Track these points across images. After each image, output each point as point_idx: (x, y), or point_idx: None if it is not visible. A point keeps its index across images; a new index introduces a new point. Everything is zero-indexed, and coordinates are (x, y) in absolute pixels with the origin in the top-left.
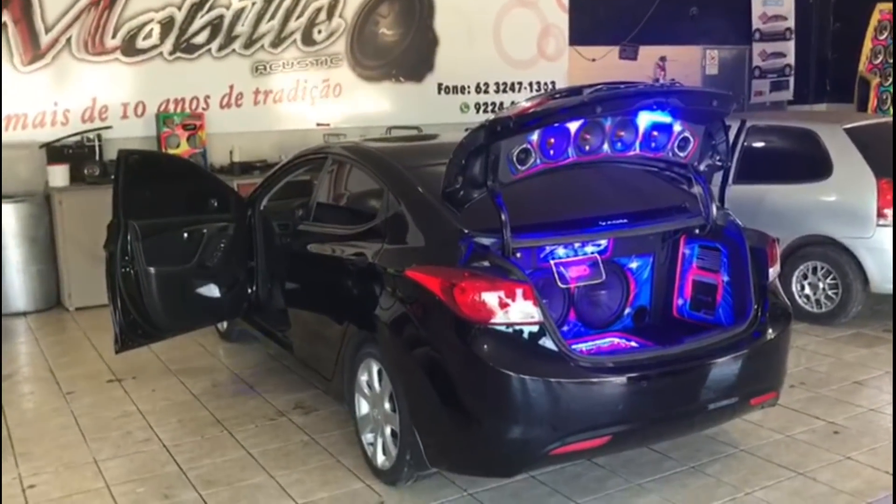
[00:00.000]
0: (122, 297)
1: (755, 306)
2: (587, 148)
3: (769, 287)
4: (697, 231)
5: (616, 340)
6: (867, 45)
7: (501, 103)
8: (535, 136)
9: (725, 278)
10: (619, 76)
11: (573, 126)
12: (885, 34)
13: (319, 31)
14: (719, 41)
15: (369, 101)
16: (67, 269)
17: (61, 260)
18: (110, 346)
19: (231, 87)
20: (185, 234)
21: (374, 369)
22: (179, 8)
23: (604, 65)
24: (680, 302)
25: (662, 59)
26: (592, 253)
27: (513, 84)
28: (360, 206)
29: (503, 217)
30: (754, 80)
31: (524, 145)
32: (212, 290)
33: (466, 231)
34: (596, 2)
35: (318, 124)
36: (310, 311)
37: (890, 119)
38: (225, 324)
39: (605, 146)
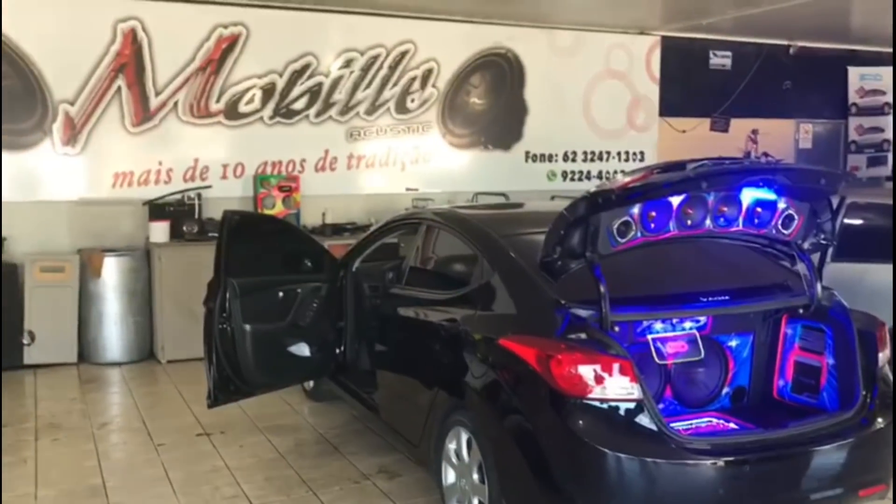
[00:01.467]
0: (217, 352)
1: (863, 392)
2: (689, 222)
3: (879, 373)
4: (801, 311)
5: (714, 421)
6: None
7: (589, 172)
8: (636, 209)
9: (831, 361)
10: (710, 148)
11: (676, 200)
12: None
13: (413, 100)
14: (813, 115)
15: (457, 167)
16: (163, 322)
17: (157, 314)
18: (201, 400)
19: (326, 152)
20: (281, 294)
21: (464, 438)
22: (281, 75)
23: (694, 136)
24: (781, 383)
25: (754, 131)
26: (691, 329)
27: (601, 153)
28: (452, 271)
29: (602, 289)
30: (850, 154)
31: (625, 218)
32: (302, 349)
33: (563, 302)
34: (687, 74)
35: (408, 189)
36: (398, 375)
37: None
38: (312, 382)
39: (708, 221)
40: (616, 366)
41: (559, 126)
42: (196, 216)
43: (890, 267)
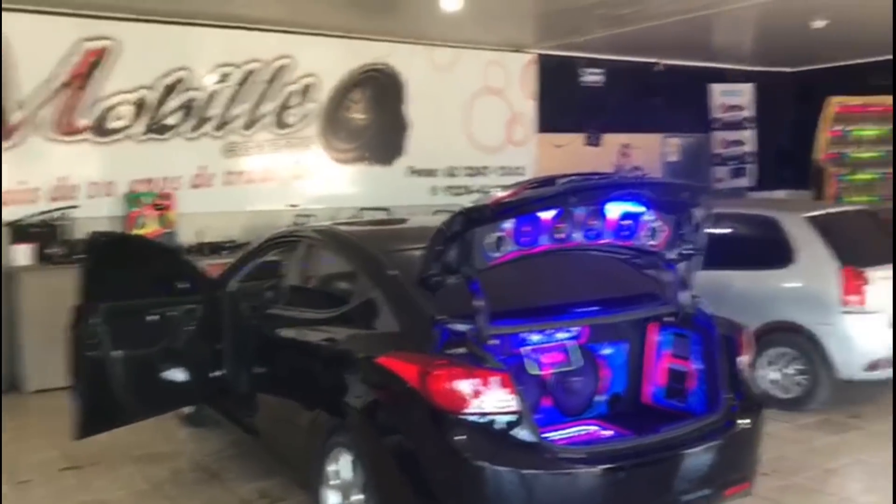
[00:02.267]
0: (84, 380)
1: (727, 395)
2: (561, 236)
3: (741, 375)
4: (669, 319)
5: (591, 428)
6: (823, 135)
7: (471, 187)
8: (509, 224)
9: (697, 366)
10: (585, 162)
11: (547, 215)
12: (839, 126)
13: (292, 115)
14: (680, 129)
15: (340, 182)
16: (27, 350)
17: (20, 341)
18: (68, 432)
19: (202, 168)
20: (153, 317)
21: (345, 459)
22: (153, 90)
23: (570, 151)
24: (653, 389)
25: (625, 146)
26: (566, 339)
27: (481, 168)
28: (332, 290)
29: (478, 303)
30: (715, 166)
31: (499, 233)
32: (177, 374)
33: (441, 317)
34: (562, 90)
35: (289, 205)
36: (278, 397)
37: (850, 208)
38: (189, 408)
39: (578, 235)
40: (493, 379)
41: (440, 141)
42: (62, 238)
43: (752, 274)
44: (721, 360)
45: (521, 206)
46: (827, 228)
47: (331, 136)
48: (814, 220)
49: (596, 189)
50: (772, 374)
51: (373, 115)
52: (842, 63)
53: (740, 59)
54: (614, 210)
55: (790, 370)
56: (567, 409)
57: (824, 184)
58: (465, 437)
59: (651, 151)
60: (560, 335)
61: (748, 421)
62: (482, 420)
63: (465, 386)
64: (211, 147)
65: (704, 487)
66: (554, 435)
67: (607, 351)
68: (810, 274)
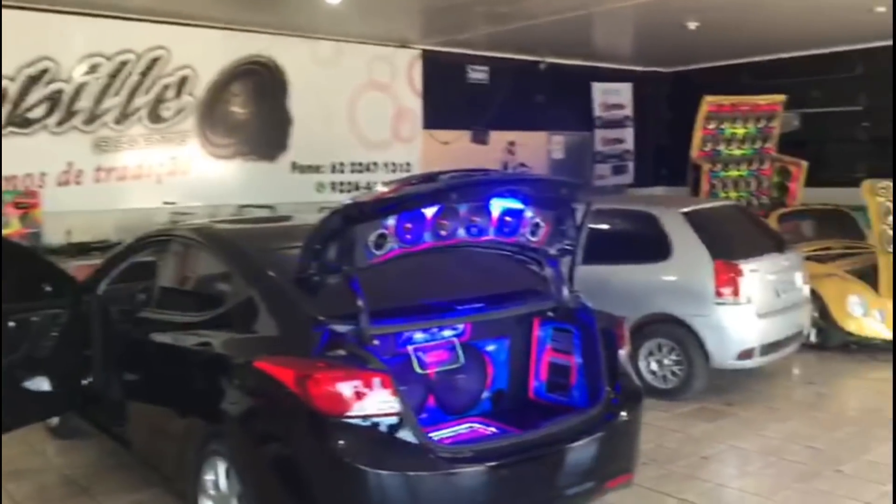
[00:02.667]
0: None
1: (607, 388)
2: (443, 233)
3: (620, 368)
4: (551, 313)
5: (475, 426)
6: (697, 133)
7: (357, 183)
8: (391, 222)
9: (578, 360)
10: (472, 159)
11: (429, 212)
12: (713, 124)
13: (167, 109)
14: (563, 127)
15: (220, 179)
16: None
17: None
18: None
19: (70, 164)
20: (12, 324)
21: (222, 468)
22: (13, 80)
23: (456, 148)
24: (536, 384)
25: (511, 143)
26: (450, 337)
27: (368, 164)
28: (206, 292)
29: (360, 302)
30: (597, 164)
31: (381, 230)
32: (41, 384)
33: (321, 318)
34: (448, 87)
35: (165, 202)
36: (152, 405)
37: (722, 203)
38: (56, 419)
39: (461, 231)
40: (375, 381)
41: (325, 137)
42: None
43: (632, 268)
44: (601, 353)
45: (401, 203)
46: (701, 223)
47: (209, 131)
48: (689, 216)
49: (477, 186)
50: (651, 365)
51: (254, 110)
52: (716, 63)
53: (620, 58)
54: (497, 207)
55: (668, 361)
56: (452, 407)
57: (700, 180)
58: (346, 441)
59: (536, 149)
60: (446, 332)
61: (628, 413)
62: (364, 423)
63: (346, 389)
64: (80, 142)
65: (587, 480)
66: (438, 434)
67: (491, 347)
68: (686, 267)
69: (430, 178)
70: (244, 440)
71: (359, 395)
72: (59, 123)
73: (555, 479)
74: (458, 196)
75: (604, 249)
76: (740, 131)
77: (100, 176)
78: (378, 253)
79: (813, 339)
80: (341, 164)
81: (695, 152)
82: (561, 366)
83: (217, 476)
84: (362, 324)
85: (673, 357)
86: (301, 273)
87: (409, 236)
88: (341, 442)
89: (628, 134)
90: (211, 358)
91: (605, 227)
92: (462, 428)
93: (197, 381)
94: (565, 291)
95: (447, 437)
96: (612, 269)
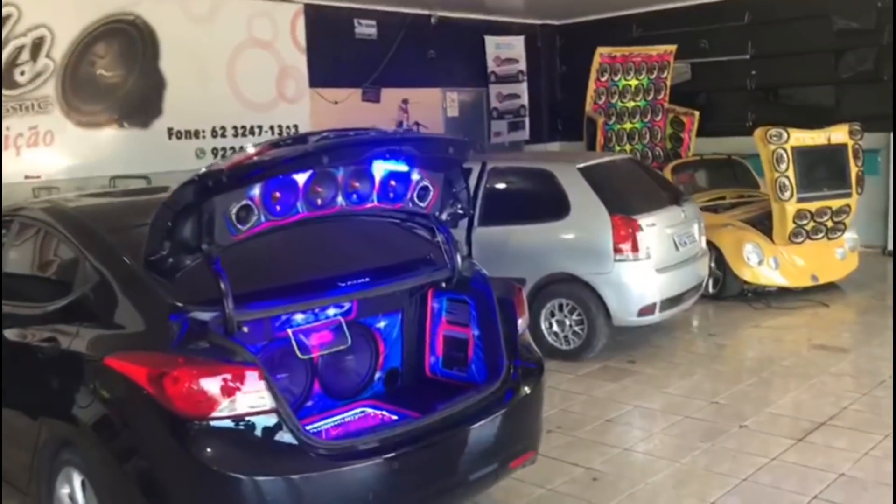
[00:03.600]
0: None
1: (507, 362)
2: (319, 202)
3: (520, 340)
4: (444, 284)
5: (368, 410)
6: (591, 86)
7: (242, 147)
8: (256, 191)
9: (476, 332)
10: (363, 119)
11: (301, 178)
12: (606, 76)
13: (22, 73)
14: (458, 83)
15: (89, 149)
16: None
17: None
18: None
19: None
20: None
21: (77, 480)
22: None
23: (347, 108)
24: (432, 360)
25: (405, 101)
26: (335, 316)
27: (252, 128)
28: (53, 279)
29: (223, 286)
30: (493, 121)
31: (244, 201)
32: None
33: (180, 305)
34: (334, 43)
35: (27, 177)
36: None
37: (618, 157)
38: None
39: (340, 199)
40: (245, 376)
41: (203, 99)
42: None
43: (530, 228)
44: (499, 324)
45: (265, 168)
46: (598, 179)
47: (73, 97)
48: (585, 172)
49: (352, 147)
50: (553, 326)
51: (123, 73)
52: (607, 15)
53: (512, 10)
54: (379, 170)
55: (569, 321)
56: (340, 391)
57: (595, 134)
58: (214, 446)
59: (431, 106)
60: (329, 312)
61: (529, 388)
62: (233, 425)
63: (209, 386)
64: None
65: (490, 462)
66: (325, 423)
67: (381, 324)
68: (584, 225)
69: (300, 139)
70: (98, 450)
71: (224, 394)
72: None
73: (455, 465)
74: (331, 159)
75: (500, 210)
76: (633, 83)
77: None
78: (242, 228)
79: (710, 289)
80: (223, 128)
81: (589, 105)
82: (457, 339)
83: (73, 489)
84: (227, 310)
85: (574, 317)
86: (151, 255)
87: (278, 207)
88: (208, 449)
89: (523, 89)
90: (58, 355)
91: (501, 186)
92: (352, 414)
93: (44, 382)
94: (459, 260)
95: (334, 427)
96: (509, 229)
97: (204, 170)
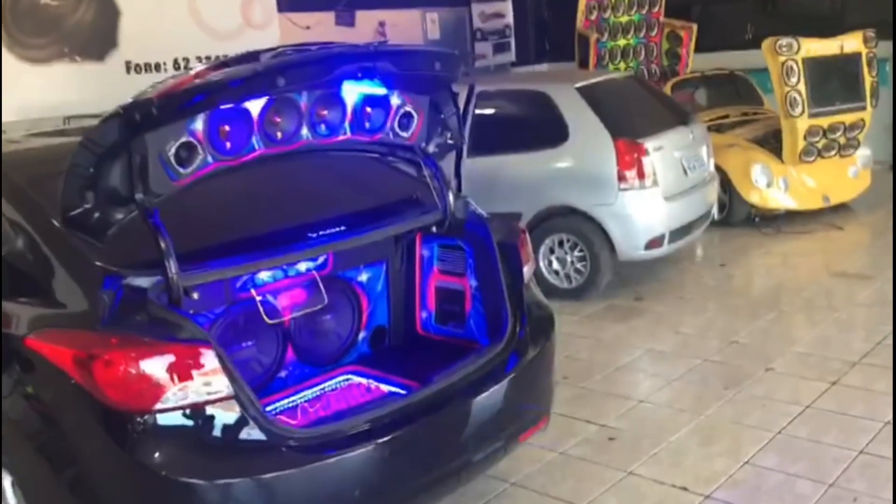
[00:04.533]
0: None
1: (511, 317)
2: (279, 135)
3: (525, 292)
4: (435, 228)
5: (352, 378)
6: (582, 1)
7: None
8: (199, 125)
9: (473, 283)
10: None
11: (255, 106)
12: None
13: None
14: (438, 3)
15: (38, 87)
16: None
17: None
18: None
19: None
20: None
21: (7, 481)
22: None
23: (319, 33)
24: (424, 315)
25: (382, 24)
26: (308, 271)
27: (218, 58)
28: None
29: (163, 244)
30: (477, 42)
31: (184, 138)
32: None
33: (113, 270)
34: None
35: None
36: None
37: (618, 75)
38: None
39: (305, 131)
40: (191, 356)
41: (163, 29)
42: None
43: (525, 157)
44: (500, 273)
45: (203, 96)
46: (597, 100)
47: (15, 30)
48: (583, 91)
49: (313, 64)
50: (553, 263)
51: (71, 1)
52: None
53: None
54: (351, 94)
55: (571, 258)
56: (319, 357)
57: (587, 53)
58: (160, 446)
59: (410, 28)
60: (301, 266)
61: (539, 349)
62: (184, 418)
63: (149, 372)
64: None
65: (496, 439)
66: (301, 397)
67: (363, 277)
68: (584, 151)
69: (251, 57)
70: (24, 448)
71: (169, 380)
72: None
73: (456, 445)
74: (289, 80)
75: (491, 138)
76: None
77: None
78: (184, 171)
79: (715, 214)
80: (185, 59)
81: (580, 22)
82: (452, 291)
83: (2, 491)
84: (170, 274)
85: (576, 253)
86: (70, 209)
87: (228, 144)
88: (153, 449)
89: (508, 7)
90: None
91: (490, 111)
92: (334, 383)
93: None
94: (450, 198)
95: (312, 401)
96: (501, 159)
97: (131, 99)
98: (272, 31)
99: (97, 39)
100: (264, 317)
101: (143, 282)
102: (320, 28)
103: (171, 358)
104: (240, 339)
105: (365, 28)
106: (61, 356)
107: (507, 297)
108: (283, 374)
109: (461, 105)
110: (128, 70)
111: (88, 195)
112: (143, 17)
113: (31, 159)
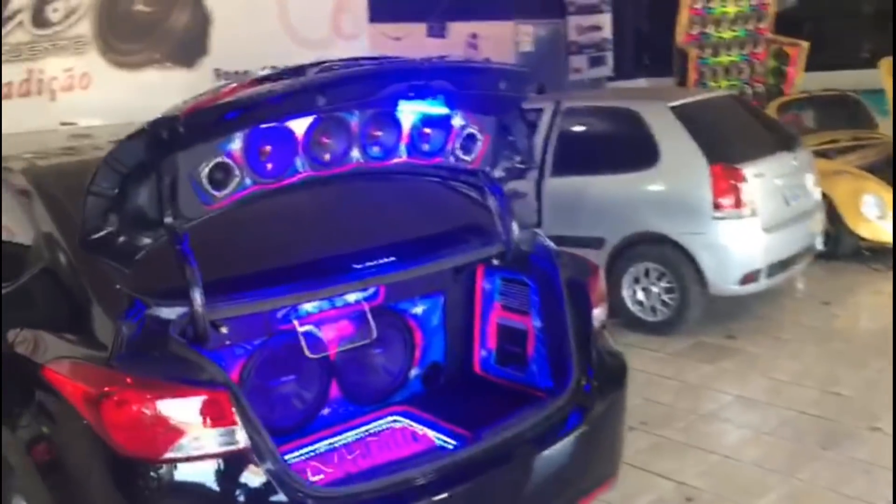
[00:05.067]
0: None
1: (577, 367)
2: (327, 157)
3: (594, 338)
4: (497, 261)
5: (399, 421)
6: (683, 14)
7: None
8: (236, 144)
9: (537, 323)
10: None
11: (299, 126)
12: (700, 3)
13: (55, 9)
14: (532, 16)
15: (129, 92)
16: None
17: None
18: None
19: None
20: None
21: None
22: None
23: (410, 44)
24: (483, 354)
25: (474, 36)
26: (357, 302)
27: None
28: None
29: (189, 273)
30: (572, 55)
31: (218, 159)
32: None
33: (137, 297)
34: None
35: (63, 123)
36: None
37: (717, 94)
38: None
39: (356, 153)
40: (207, 402)
41: (253, 36)
42: None
43: (612, 178)
44: (567, 315)
45: (236, 114)
46: (693, 120)
47: (110, 36)
48: (678, 111)
49: (358, 82)
50: (637, 293)
51: (164, 8)
52: None
53: None
54: (409, 114)
55: (657, 289)
56: (365, 395)
57: (686, 69)
58: (166, 499)
59: (502, 41)
60: (350, 297)
61: (607, 402)
62: (194, 469)
63: (161, 415)
64: None
65: (554, 502)
66: (341, 439)
67: (418, 309)
68: (677, 175)
69: (297, 72)
70: (36, 481)
71: (184, 426)
72: None
73: None
74: (329, 98)
75: (576, 157)
76: (731, 10)
77: None
78: (219, 194)
79: (819, 246)
80: (274, 68)
81: (680, 37)
82: (514, 329)
83: None
84: (196, 306)
85: (663, 284)
86: (92, 232)
87: (269, 165)
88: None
89: (606, 20)
90: (5, 356)
91: (577, 129)
92: (379, 424)
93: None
94: (514, 228)
95: (357, 440)
96: (586, 180)
97: (162, 115)
98: (361, 42)
99: (188, 46)
100: (306, 351)
101: (167, 312)
102: (411, 40)
103: (185, 403)
104: (280, 373)
105: (457, 40)
106: (73, 390)
107: (574, 343)
108: (325, 411)
109: (546, 122)
110: (217, 77)
111: (111, 218)
112: (233, 25)
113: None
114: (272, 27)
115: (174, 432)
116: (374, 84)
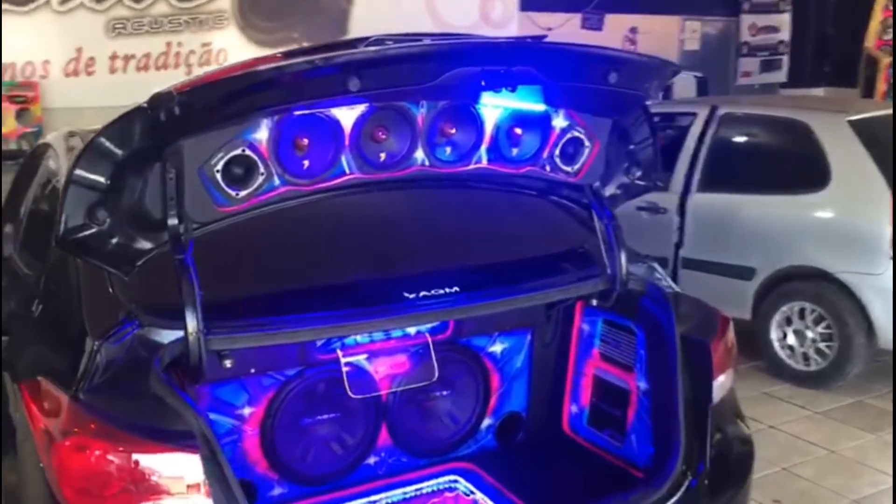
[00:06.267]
0: None
1: (684, 450)
2: (382, 157)
3: (713, 413)
4: (598, 300)
5: (459, 484)
6: (877, 16)
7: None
8: (261, 134)
9: (642, 384)
10: None
11: (347, 116)
12: None
13: None
14: (702, 11)
15: None
16: None
17: None
18: None
19: (79, 51)
20: None
21: None
22: None
23: (562, 35)
24: (574, 410)
25: (633, 30)
26: (420, 334)
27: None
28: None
29: (188, 289)
30: (742, 57)
31: (238, 150)
32: None
33: (131, 310)
34: None
35: None
36: None
37: None
38: None
39: (420, 154)
40: (171, 461)
41: (396, 21)
42: None
43: (770, 200)
44: (678, 379)
45: (246, 93)
46: (875, 138)
47: (251, 13)
48: (858, 126)
49: (410, 63)
50: (788, 337)
51: None
52: None
53: None
54: (494, 109)
55: (813, 334)
56: (422, 446)
57: (875, 79)
58: None
59: (666, 38)
60: (410, 329)
61: (724, 494)
62: None
63: (109, 472)
64: (90, 23)
65: None
66: (385, 497)
67: (496, 347)
68: (849, 201)
69: (347, 44)
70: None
71: (140, 490)
72: (64, 1)
73: None
74: (365, 82)
75: (731, 172)
76: None
77: (115, 65)
78: (238, 195)
79: None
80: None
81: (871, 41)
82: (614, 386)
83: None
84: (189, 329)
85: (820, 329)
86: (72, 230)
87: (306, 162)
88: None
89: (784, 21)
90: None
91: (735, 139)
92: (435, 483)
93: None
94: (623, 261)
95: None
96: (740, 199)
97: (163, 89)
98: (510, 31)
99: (327, 27)
100: (348, 390)
101: (162, 335)
102: (563, 30)
103: (148, 459)
104: (317, 411)
105: (614, 33)
106: (36, 421)
107: (684, 418)
108: (372, 460)
109: (699, 129)
110: None
111: (100, 214)
112: (376, 7)
113: None
114: (417, 10)
115: (127, 495)
116: (429, 67)
